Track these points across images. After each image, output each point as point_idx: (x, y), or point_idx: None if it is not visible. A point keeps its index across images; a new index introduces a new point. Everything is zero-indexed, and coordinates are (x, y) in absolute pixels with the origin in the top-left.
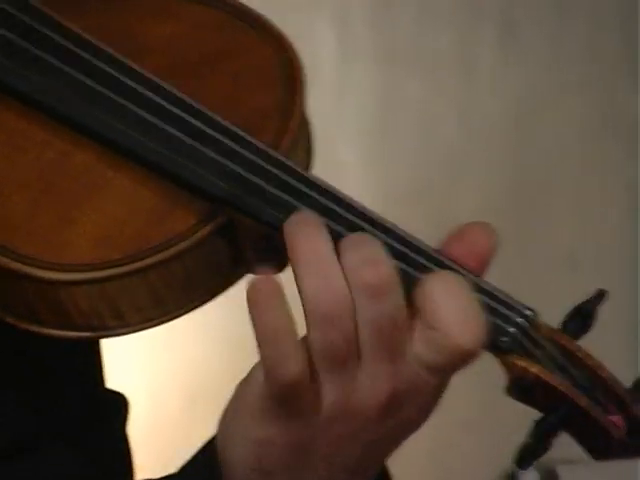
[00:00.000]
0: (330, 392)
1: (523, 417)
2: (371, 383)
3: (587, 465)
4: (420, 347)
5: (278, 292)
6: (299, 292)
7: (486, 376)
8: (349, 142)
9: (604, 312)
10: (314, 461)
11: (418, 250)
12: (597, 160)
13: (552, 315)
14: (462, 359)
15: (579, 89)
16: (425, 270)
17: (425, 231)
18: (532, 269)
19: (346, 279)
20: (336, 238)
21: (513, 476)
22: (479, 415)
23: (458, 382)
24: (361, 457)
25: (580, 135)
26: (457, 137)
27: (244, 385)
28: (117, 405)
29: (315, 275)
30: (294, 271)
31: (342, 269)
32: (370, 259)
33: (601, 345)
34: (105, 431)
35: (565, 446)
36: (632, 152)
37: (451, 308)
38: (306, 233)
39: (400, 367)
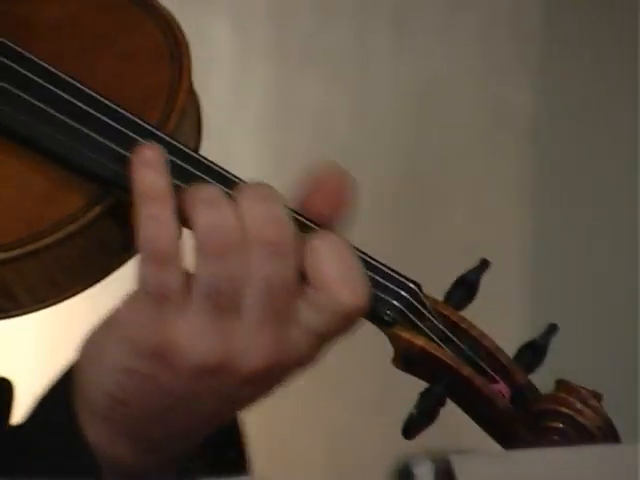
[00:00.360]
0: (204, 338)
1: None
2: (252, 344)
3: (481, 456)
4: (305, 311)
5: (161, 157)
6: (193, 231)
7: (384, 360)
8: (246, 137)
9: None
10: (169, 402)
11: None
12: (490, 153)
13: None
14: (344, 318)
15: (471, 84)
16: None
17: None
18: (427, 260)
19: (243, 228)
20: None
21: (407, 467)
22: (377, 399)
23: (357, 366)
24: (219, 408)
25: (473, 129)
26: (351, 132)
27: (121, 313)
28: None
29: (211, 211)
30: (191, 211)
31: (239, 215)
32: (276, 218)
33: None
34: None
35: (462, 438)
36: (522, 146)
37: (335, 267)
38: (201, 186)
39: (284, 334)
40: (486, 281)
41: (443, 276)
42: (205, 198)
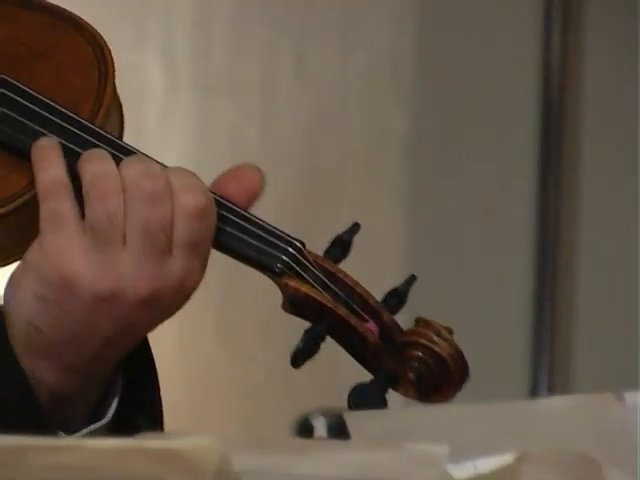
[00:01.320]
0: (94, 269)
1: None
2: (137, 273)
3: (369, 413)
4: (176, 245)
5: (59, 150)
6: (82, 185)
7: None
8: (172, 158)
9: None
10: (75, 326)
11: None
12: (373, 164)
13: None
14: (196, 218)
15: (358, 109)
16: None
17: None
18: (321, 243)
19: (124, 179)
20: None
21: (307, 420)
22: (283, 367)
23: (266, 338)
24: (119, 332)
25: (360, 146)
26: (261, 148)
27: (31, 251)
28: None
29: (94, 163)
30: (80, 166)
31: (121, 171)
32: (152, 172)
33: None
34: None
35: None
36: (398, 159)
37: (181, 183)
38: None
39: (163, 263)
40: (360, 244)
41: None
42: (92, 156)
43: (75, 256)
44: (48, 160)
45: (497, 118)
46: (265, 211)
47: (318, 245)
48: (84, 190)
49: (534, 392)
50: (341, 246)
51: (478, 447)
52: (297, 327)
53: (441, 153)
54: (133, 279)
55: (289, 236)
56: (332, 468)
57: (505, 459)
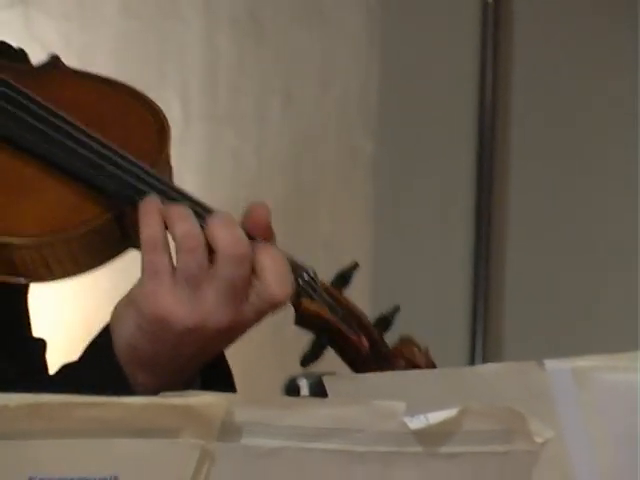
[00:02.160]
0: (186, 308)
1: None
2: (218, 312)
3: (346, 376)
4: (252, 295)
5: (160, 208)
6: (173, 238)
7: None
8: (188, 175)
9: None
10: (165, 349)
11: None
12: (346, 181)
13: None
14: (275, 304)
15: (334, 135)
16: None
17: None
18: (303, 252)
19: (210, 239)
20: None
21: (294, 381)
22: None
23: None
24: (199, 352)
25: (335, 165)
26: (256, 167)
27: (135, 289)
28: (39, 345)
29: (185, 223)
30: (170, 224)
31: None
32: (240, 239)
33: None
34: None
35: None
36: (367, 177)
37: (272, 271)
38: (177, 210)
39: (238, 309)
40: (334, 246)
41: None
42: (180, 215)
43: (169, 299)
44: (151, 217)
45: (441, 140)
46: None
47: (305, 244)
48: (176, 243)
49: (472, 361)
50: (343, 278)
51: (429, 404)
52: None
53: (400, 169)
54: (216, 316)
55: (305, 264)
56: (313, 420)
57: (450, 412)
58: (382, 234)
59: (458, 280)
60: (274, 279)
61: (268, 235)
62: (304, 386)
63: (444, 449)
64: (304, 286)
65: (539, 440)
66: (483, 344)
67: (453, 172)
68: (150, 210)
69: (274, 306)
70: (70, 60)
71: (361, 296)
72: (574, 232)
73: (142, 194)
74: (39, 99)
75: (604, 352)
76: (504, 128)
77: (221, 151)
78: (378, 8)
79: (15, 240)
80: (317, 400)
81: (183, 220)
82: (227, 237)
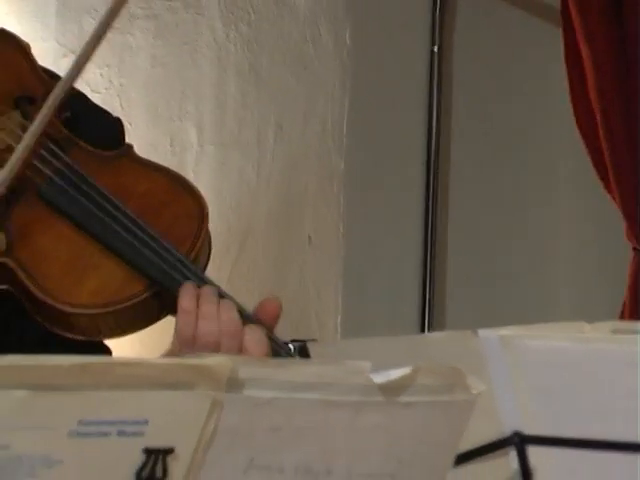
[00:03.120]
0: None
1: None
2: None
3: (326, 343)
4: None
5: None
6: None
7: None
8: (202, 189)
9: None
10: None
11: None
12: (325, 191)
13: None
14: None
15: (315, 157)
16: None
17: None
18: (290, 250)
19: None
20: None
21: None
22: None
23: None
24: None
25: (316, 179)
26: (255, 181)
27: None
28: (106, 350)
29: (207, 306)
30: (200, 306)
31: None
32: (236, 321)
33: None
34: None
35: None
36: (340, 189)
37: (255, 346)
38: (208, 294)
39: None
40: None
41: (301, 257)
42: (206, 300)
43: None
44: (187, 298)
45: (396, 159)
46: (263, 215)
47: (292, 242)
48: (200, 316)
49: (422, 329)
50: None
51: (390, 363)
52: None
53: (365, 183)
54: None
55: (283, 345)
56: (300, 376)
57: (406, 370)
58: (352, 230)
59: (411, 265)
60: (253, 347)
61: (273, 325)
62: (293, 350)
63: (401, 399)
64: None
65: (474, 391)
66: (429, 316)
67: (406, 183)
68: (188, 291)
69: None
70: (111, 97)
71: (334, 278)
72: (504, 223)
73: (175, 282)
74: (104, 190)
75: (526, 323)
76: (446, 147)
77: (228, 170)
78: (349, 62)
79: (68, 309)
80: (303, 360)
81: (237, 323)
82: (230, 319)
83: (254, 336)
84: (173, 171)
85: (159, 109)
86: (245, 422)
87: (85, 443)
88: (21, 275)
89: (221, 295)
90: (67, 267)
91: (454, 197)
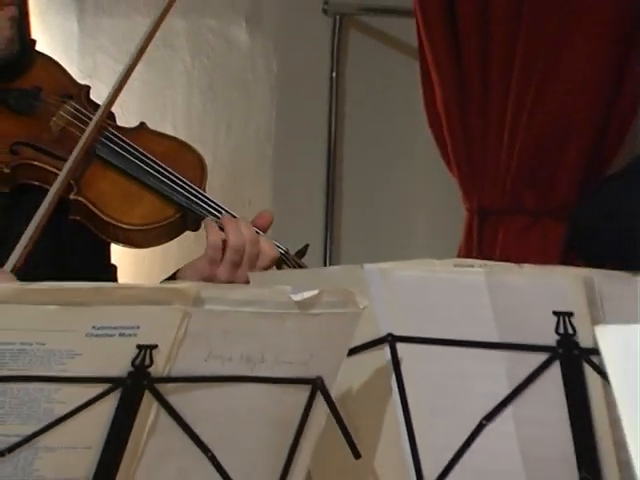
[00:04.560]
0: (225, 275)
1: None
2: (242, 277)
3: (262, 273)
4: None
5: (216, 225)
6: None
7: None
8: None
9: None
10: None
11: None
12: (259, 177)
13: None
14: (273, 261)
15: (252, 151)
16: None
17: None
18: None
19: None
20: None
21: None
22: None
23: None
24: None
25: (254, 167)
26: (211, 164)
27: (200, 264)
28: (113, 269)
29: (232, 226)
30: (225, 228)
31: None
32: (255, 235)
33: None
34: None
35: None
36: (268, 173)
37: (268, 248)
38: (228, 221)
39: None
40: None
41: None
42: (230, 222)
43: (218, 276)
44: (213, 231)
45: (307, 150)
46: (217, 187)
47: (238, 201)
48: (213, 241)
49: (325, 264)
50: (300, 253)
51: (304, 287)
52: None
53: (290, 166)
54: (238, 279)
55: (281, 246)
56: (243, 295)
57: (314, 292)
58: (278, 197)
59: (318, 221)
60: (269, 250)
61: (267, 228)
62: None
63: (311, 311)
64: (283, 255)
65: (361, 306)
66: (330, 256)
67: (314, 165)
68: (212, 227)
69: (272, 262)
70: (115, 106)
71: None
72: (380, 194)
73: (195, 206)
74: (138, 146)
75: (396, 259)
76: (341, 144)
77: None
78: (276, 84)
79: (125, 224)
80: (245, 285)
81: (235, 231)
82: (250, 233)
83: (268, 242)
84: (179, 139)
85: (147, 115)
86: (205, 327)
87: (97, 341)
88: (91, 207)
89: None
90: (121, 200)
91: (347, 178)
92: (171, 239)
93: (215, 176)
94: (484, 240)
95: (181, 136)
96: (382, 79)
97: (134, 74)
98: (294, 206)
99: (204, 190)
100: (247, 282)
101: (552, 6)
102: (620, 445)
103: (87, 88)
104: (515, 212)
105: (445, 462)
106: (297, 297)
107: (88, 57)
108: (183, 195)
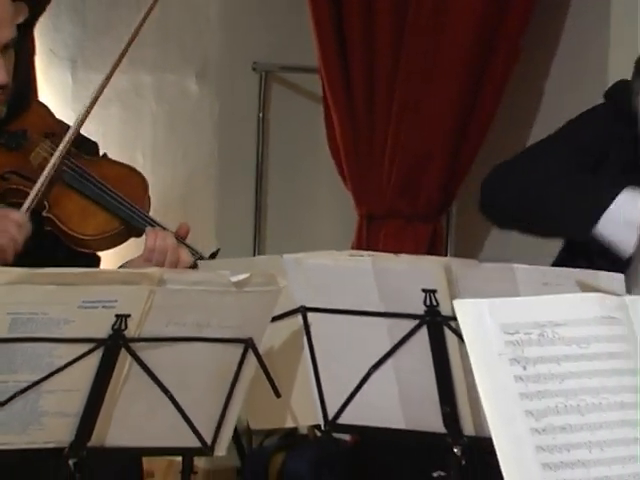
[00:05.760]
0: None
1: None
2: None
3: (209, 262)
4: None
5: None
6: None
7: None
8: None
9: None
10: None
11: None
12: (205, 187)
13: None
14: (186, 266)
15: (201, 173)
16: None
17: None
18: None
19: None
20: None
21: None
22: None
23: None
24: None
25: (203, 178)
26: (170, 176)
27: (137, 261)
28: (97, 259)
29: (154, 236)
30: (156, 236)
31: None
32: (174, 246)
33: None
34: None
35: None
36: (212, 190)
37: (186, 255)
38: (155, 232)
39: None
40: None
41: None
42: (159, 233)
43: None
44: (150, 238)
45: (241, 160)
46: (179, 185)
47: (195, 196)
48: (152, 246)
49: (255, 254)
50: (212, 256)
51: (239, 272)
52: None
53: (233, 182)
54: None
55: (197, 250)
56: (195, 278)
57: (247, 274)
58: (220, 194)
59: (250, 215)
60: (184, 258)
61: (185, 236)
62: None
63: (244, 289)
64: (197, 259)
65: (281, 285)
66: (259, 247)
67: (245, 170)
68: (151, 233)
69: (186, 265)
70: (98, 138)
71: (208, 220)
72: (295, 197)
73: (135, 221)
74: (94, 174)
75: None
76: (266, 167)
77: (159, 169)
78: (218, 120)
79: (81, 235)
80: (195, 270)
81: (165, 242)
82: (171, 244)
83: (184, 251)
84: (130, 165)
85: (124, 145)
86: (166, 301)
87: (85, 311)
88: (58, 223)
89: (164, 229)
90: (80, 216)
91: (271, 191)
92: (120, 244)
93: (174, 190)
94: (370, 237)
95: (148, 161)
96: (296, 118)
97: (116, 117)
98: (232, 213)
99: (148, 204)
100: None
101: (419, 58)
102: (471, 386)
103: (68, 126)
104: (393, 217)
105: (343, 400)
106: (234, 279)
107: (79, 102)
108: (126, 212)
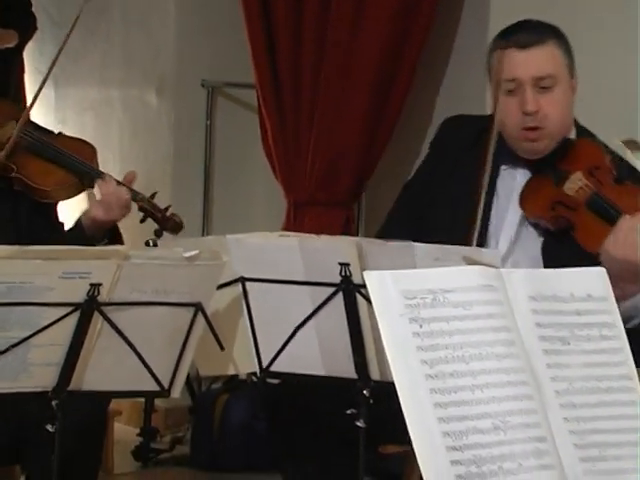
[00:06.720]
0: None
1: None
2: (116, 215)
3: (169, 240)
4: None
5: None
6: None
7: None
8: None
9: None
10: (100, 228)
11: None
12: (174, 182)
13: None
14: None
15: (167, 168)
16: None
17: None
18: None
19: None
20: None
21: (147, 242)
22: None
23: None
24: (111, 224)
25: (172, 175)
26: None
27: (92, 207)
28: (62, 226)
29: (111, 188)
30: (105, 183)
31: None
32: (121, 188)
33: None
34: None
35: None
36: (169, 183)
37: (125, 193)
38: (107, 180)
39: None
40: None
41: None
42: (108, 180)
43: (99, 212)
44: (106, 185)
45: (194, 160)
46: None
47: (158, 182)
48: (101, 191)
49: (203, 234)
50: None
51: (191, 249)
52: None
53: (191, 179)
54: (113, 216)
55: (140, 192)
56: (155, 253)
57: (196, 251)
58: (176, 184)
59: (199, 202)
60: (126, 194)
61: (132, 182)
62: (152, 244)
63: (195, 263)
64: (137, 196)
65: (225, 260)
66: (207, 228)
67: (195, 170)
68: (102, 183)
69: (128, 201)
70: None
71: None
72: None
73: (90, 175)
74: (52, 142)
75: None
76: (213, 165)
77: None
78: (174, 130)
79: (44, 187)
80: (157, 248)
81: (109, 185)
82: (110, 190)
83: (127, 191)
84: (83, 139)
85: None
86: (131, 273)
87: (65, 281)
88: (25, 179)
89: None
90: (42, 174)
91: (217, 183)
92: (78, 194)
93: (137, 184)
94: (297, 221)
95: (117, 160)
96: (237, 126)
97: (90, 124)
98: (185, 202)
99: (96, 164)
100: (118, 220)
101: (336, 73)
102: (378, 340)
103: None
104: (314, 204)
105: (274, 352)
106: (186, 255)
107: (60, 111)
108: (79, 167)
